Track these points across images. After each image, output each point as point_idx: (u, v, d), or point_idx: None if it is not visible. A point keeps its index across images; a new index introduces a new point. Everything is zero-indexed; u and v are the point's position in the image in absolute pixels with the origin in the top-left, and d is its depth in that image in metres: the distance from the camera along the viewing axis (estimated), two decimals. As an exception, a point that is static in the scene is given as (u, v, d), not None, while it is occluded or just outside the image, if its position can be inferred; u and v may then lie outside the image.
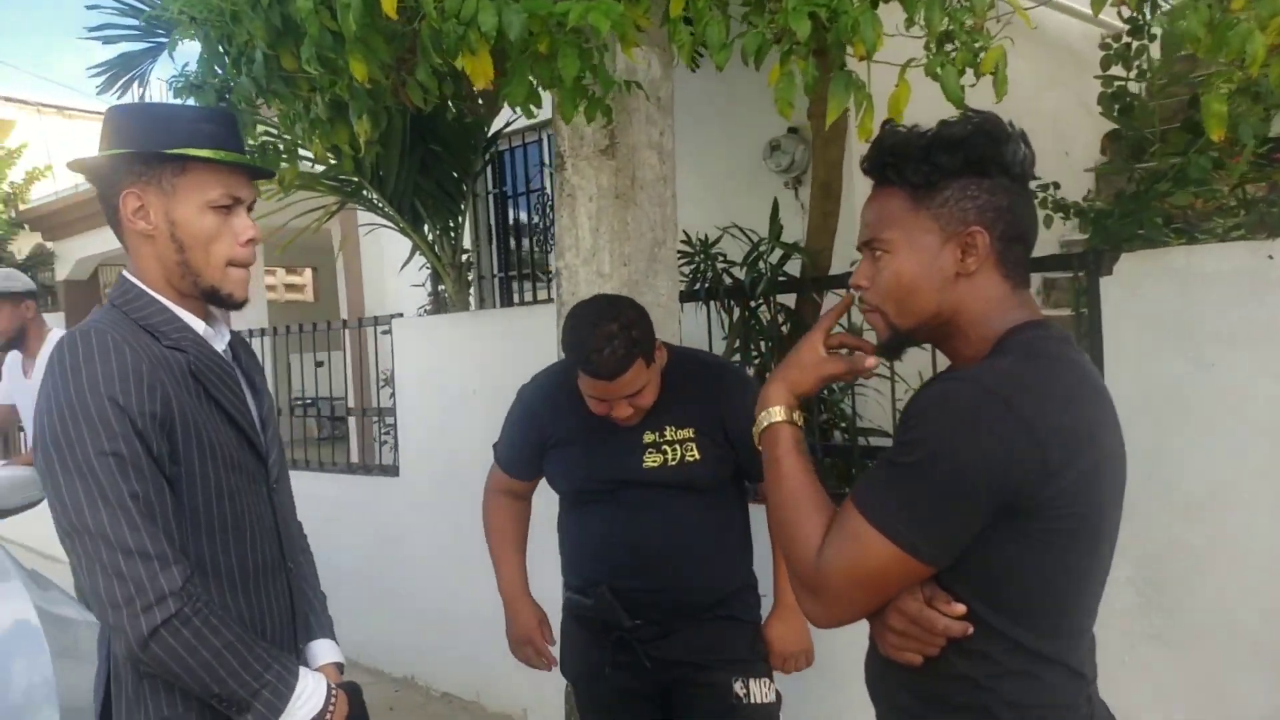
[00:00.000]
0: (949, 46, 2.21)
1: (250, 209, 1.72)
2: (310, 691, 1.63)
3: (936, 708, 1.41)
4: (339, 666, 1.88)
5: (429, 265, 5.22)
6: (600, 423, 2.35)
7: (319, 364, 6.09)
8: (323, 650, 1.88)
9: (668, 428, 2.35)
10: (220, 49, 2.67)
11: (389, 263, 6.41)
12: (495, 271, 7.00)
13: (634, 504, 2.36)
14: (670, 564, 2.35)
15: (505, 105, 4.50)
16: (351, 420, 8.22)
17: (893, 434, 1.44)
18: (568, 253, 3.08)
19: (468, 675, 4.71)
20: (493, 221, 6.98)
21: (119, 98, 3.95)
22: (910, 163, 1.38)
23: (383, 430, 5.50)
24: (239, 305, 1.72)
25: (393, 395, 4.93)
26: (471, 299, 5.46)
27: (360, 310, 8.05)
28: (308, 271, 15.81)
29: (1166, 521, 2.76)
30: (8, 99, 16.34)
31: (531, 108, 2.56)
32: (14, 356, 4.15)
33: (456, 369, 4.34)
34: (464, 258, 5.17)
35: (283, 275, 15.82)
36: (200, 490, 1.58)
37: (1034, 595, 1.33)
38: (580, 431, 2.41)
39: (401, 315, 5.03)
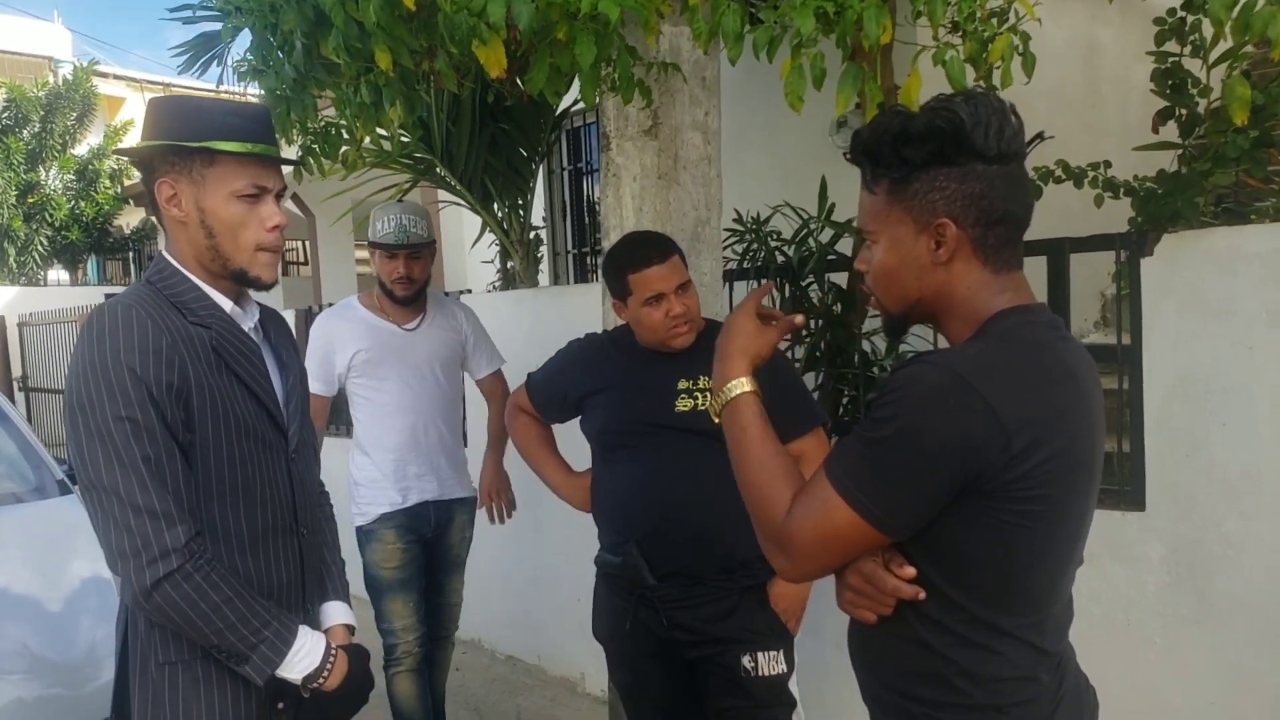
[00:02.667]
0: (957, 35, 2.22)
1: (280, 197, 1.83)
2: (308, 649, 1.76)
3: (902, 675, 1.47)
4: (349, 628, 2.00)
5: (498, 242, 5.36)
6: (639, 372, 2.55)
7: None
8: (334, 611, 2.01)
9: (701, 377, 2.51)
10: (268, 38, 2.80)
11: (465, 239, 6.60)
12: (569, 247, 7.13)
13: (662, 450, 2.49)
14: (695, 515, 2.45)
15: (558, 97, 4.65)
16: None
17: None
18: (613, 232, 3.17)
19: (529, 639, 4.87)
20: (567, 198, 7.10)
21: (198, 77, 4.17)
22: (881, 158, 1.43)
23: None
24: (267, 286, 1.85)
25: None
26: (544, 275, 5.59)
27: (440, 286, 8.26)
28: (400, 246, 16.25)
29: (1202, 503, 2.75)
30: (117, 76, 17.12)
31: (549, 97, 2.63)
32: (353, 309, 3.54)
33: (519, 344, 4.47)
34: (532, 234, 5.30)
35: (374, 250, 16.34)
36: (213, 456, 1.71)
37: (990, 572, 1.37)
38: (619, 378, 2.59)
39: (470, 291, 5.19)
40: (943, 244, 1.40)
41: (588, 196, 6.99)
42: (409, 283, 3.42)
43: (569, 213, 7.11)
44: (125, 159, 15.68)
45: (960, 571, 1.38)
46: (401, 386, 3.45)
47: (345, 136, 3.72)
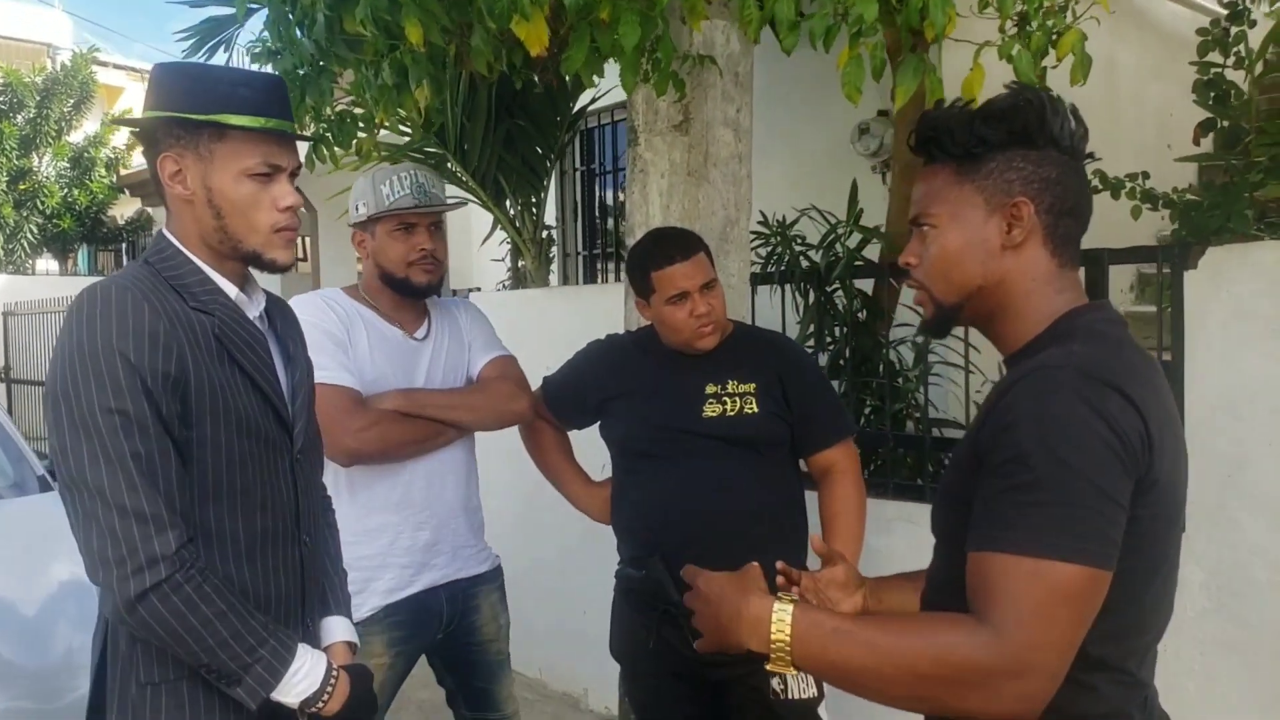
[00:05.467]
0: (1026, 28, 2.13)
1: (294, 176, 1.69)
2: (308, 670, 1.60)
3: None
4: (351, 646, 1.86)
5: (509, 240, 5.26)
6: (664, 375, 2.46)
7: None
8: (335, 628, 1.85)
9: (730, 381, 2.43)
10: (286, 14, 2.68)
11: (474, 237, 6.49)
12: (580, 249, 7.04)
13: (690, 458, 2.39)
14: (725, 527, 2.35)
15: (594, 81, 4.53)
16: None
17: (973, 441, 1.30)
18: (638, 229, 3.07)
19: (531, 653, 4.73)
20: (579, 199, 7.02)
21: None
22: (953, 136, 1.36)
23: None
24: (284, 269, 1.71)
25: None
26: (554, 276, 5.49)
27: (446, 286, 8.12)
28: (401, 243, 16.10)
29: (1246, 526, 2.65)
30: (117, 66, 17.01)
31: (585, 79, 2.52)
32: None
33: (530, 345, 4.35)
34: (545, 234, 5.20)
35: (375, 246, 16.19)
36: (211, 455, 1.57)
37: (1115, 593, 1.21)
38: (644, 381, 2.50)
39: (479, 289, 5.09)
40: (1016, 225, 1.34)
41: (600, 198, 6.92)
42: (435, 264, 2.52)
43: (580, 214, 7.02)
44: (124, 148, 15.56)
45: None
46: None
47: (360, 125, 3.62)
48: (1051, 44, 2.10)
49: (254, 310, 1.73)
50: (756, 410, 2.41)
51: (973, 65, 2.11)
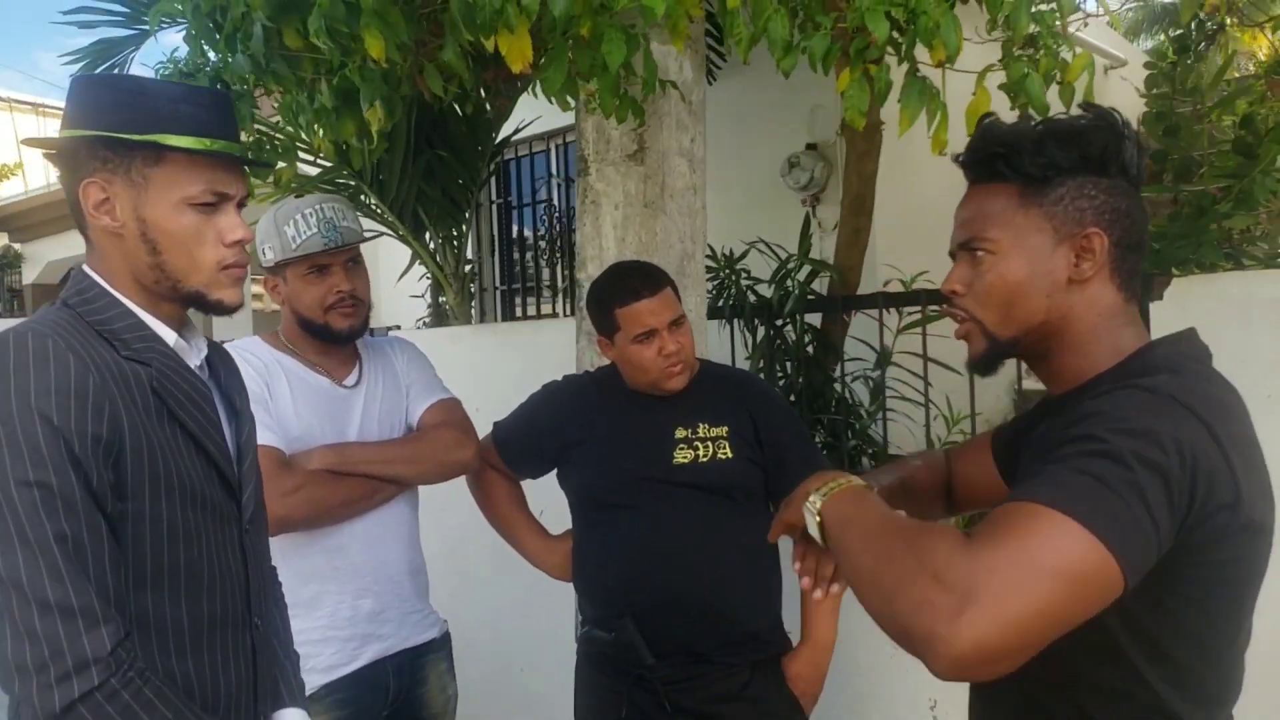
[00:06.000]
0: (1031, 51, 2.07)
1: (242, 205, 1.48)
2: None
3: None
4: None
5: (429, 275, 5.05)
6: (630, 419, 2.30)
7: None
8: None
9: (701, 425, 2.28)
10: (211, 25, 2.42)
11: (384, 273, 6.23)
12: (497, 284, 6.85)
13: (661, 508, 2.23)
14: (701, 582, 2.20)
15: (513, 113, 4.36)
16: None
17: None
18: (590, 264, 2.93)
19: (473, 714, 4.49)
20: (496, 232, 6.84)
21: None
22: (1021, 155, 1.25)
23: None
24: (231, 311, 1.49)
25: (390, 410, 4.77)
26: (473, 312, 5.30)
27: (361, 322, 7.84)
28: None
29: (1220, 561, 2.62)
30: (-23, 95, 16.18)
31: (560, 102, 2.37)
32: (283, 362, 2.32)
33: (458, 385, 4.17)
34: (466, 268, 5.01)
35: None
36: (150, 531, 1.34)
37: (1193, 646, 1.14)
38: (608, 426, 2.32)
39: (399, 328, 4.86)
40: (1087, 258, 1.24)
41: (519, 231, 6.75)
42: (356, 304, 2.31)
43: (496, 248, 6.84)
44: None
45: (1157, 645, 1.15)
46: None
47: (281, 152, 3.39)
48: (1052, 69, 2.04)
49: (195, 358, 1.50)
50: (730, 455, 2.26)
51: (976, 90, 2.03)
